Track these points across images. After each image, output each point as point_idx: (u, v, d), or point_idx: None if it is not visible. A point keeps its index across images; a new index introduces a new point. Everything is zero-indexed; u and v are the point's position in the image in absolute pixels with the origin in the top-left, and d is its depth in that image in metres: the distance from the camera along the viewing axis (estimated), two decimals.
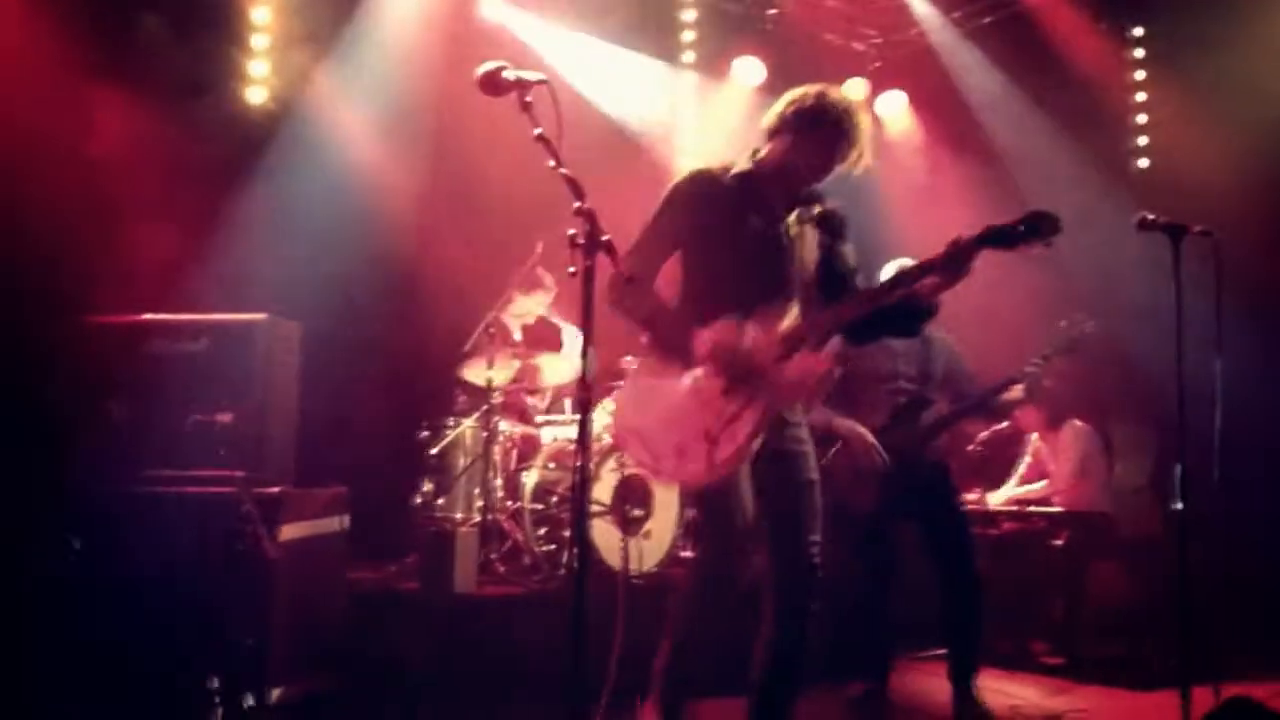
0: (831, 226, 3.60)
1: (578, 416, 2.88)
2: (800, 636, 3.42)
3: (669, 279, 3.55)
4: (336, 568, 4.78)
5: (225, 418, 4.17)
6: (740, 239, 3.47)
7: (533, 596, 5.26)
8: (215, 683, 3.87)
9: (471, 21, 6.84)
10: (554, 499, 5.66)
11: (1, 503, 4.01)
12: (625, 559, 5.10)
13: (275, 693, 4.06)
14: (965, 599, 4.77)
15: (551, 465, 5.77)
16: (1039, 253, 3.22)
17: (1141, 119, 7.67)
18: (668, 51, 7.71)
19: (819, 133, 3.46)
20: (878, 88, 8.19)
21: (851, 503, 4.80)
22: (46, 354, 4.50)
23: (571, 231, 2.83)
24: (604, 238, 2.84)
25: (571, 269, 2.84)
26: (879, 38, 8.13)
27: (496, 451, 5.82)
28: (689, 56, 7.74)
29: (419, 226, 6.70)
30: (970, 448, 6.43)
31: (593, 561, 5.19)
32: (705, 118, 7.83)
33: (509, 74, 2.92)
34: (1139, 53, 7.68)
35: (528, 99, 2.91)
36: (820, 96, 3.49)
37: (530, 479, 5.74)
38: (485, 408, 5.80)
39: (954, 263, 3.25)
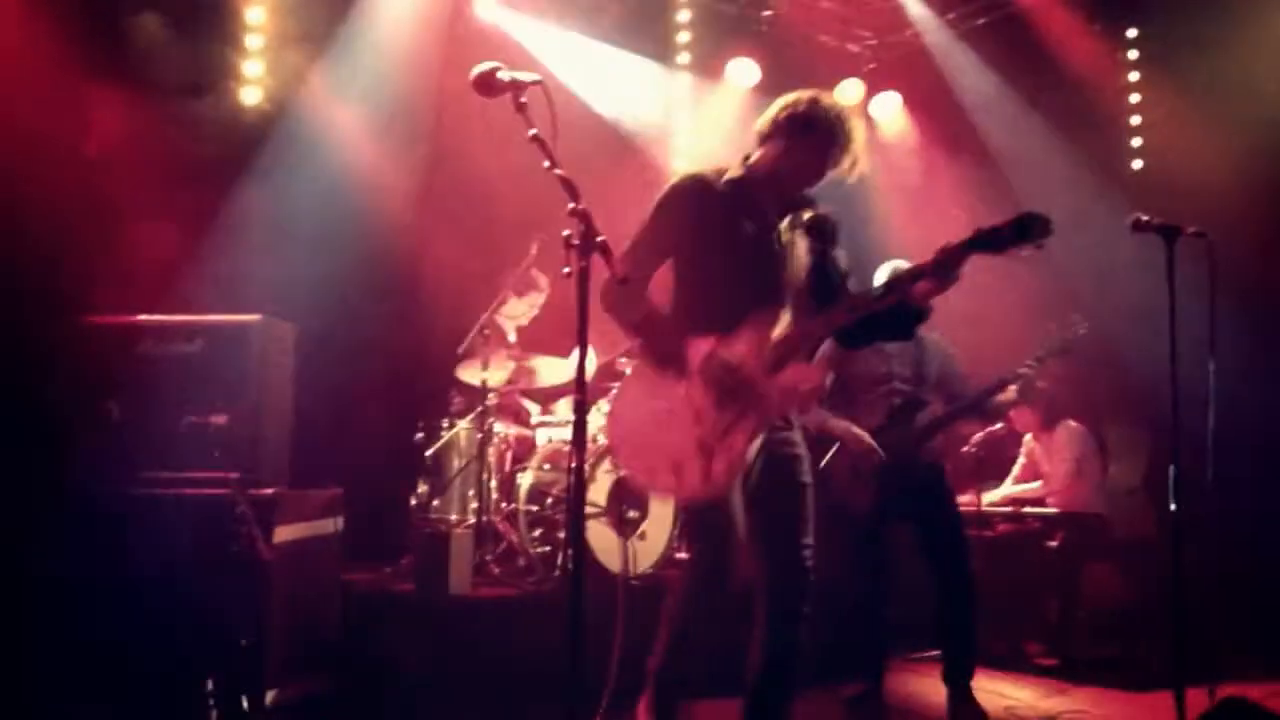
0: (823, 232, 3.60)
1: (573, 418, 2.87)
2: (793, 639, 3.42)
3: (662, 285, 3.56)
4: (332, 569, 4.78)
5: (220, 419, 4.16)
6: (733, 244, 3.47)
7: (528, 598, 5.26)
8: (211, 684, 3.87)
9: (466, 22, 6.84)
10: (549, 500, 5.66)
11: None
12: (625, 560, 5.10)
13: (271, 694, 4.06)
14: (960, 600, 4.77)
15: (547, 467, 5.76)
16: (1029, 255, 3.21)
17: (1136, 120, 7.68)
18: (662, 52, 7.70)
19: (812, 138, 3.46)
20: (872, 89, 8.20)
21: (849, 503, 4.81)
22: (42, 354, 4.49)
23: (566, 232, 2.82)
24: (599, 239, 2.84)
25: (567, 270, 2.84)
26: (873, 39, 8.13)
27: (492, 453, 5.81)
28: (684, 57, 7.73)
29: (414, 227, 6.69)
30: (965, 449, 6.43)
31: (588, 563, 5.19)
32: (700, 119, 7.83)
33: (504, 75, 2.92)
34: (1133, 54, 7.69)
35: (522, 100, 2.91)
36: (814, 102, 3.50)
37: (525, 480, 5.74)
38: (480, 409, 5.79)
39: (944, 268, 3.26)
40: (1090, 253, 6.74)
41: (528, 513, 5.64)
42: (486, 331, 5.87)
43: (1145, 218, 4.12)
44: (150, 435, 4.21)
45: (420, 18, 6.62)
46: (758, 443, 3.35)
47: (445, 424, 5.97)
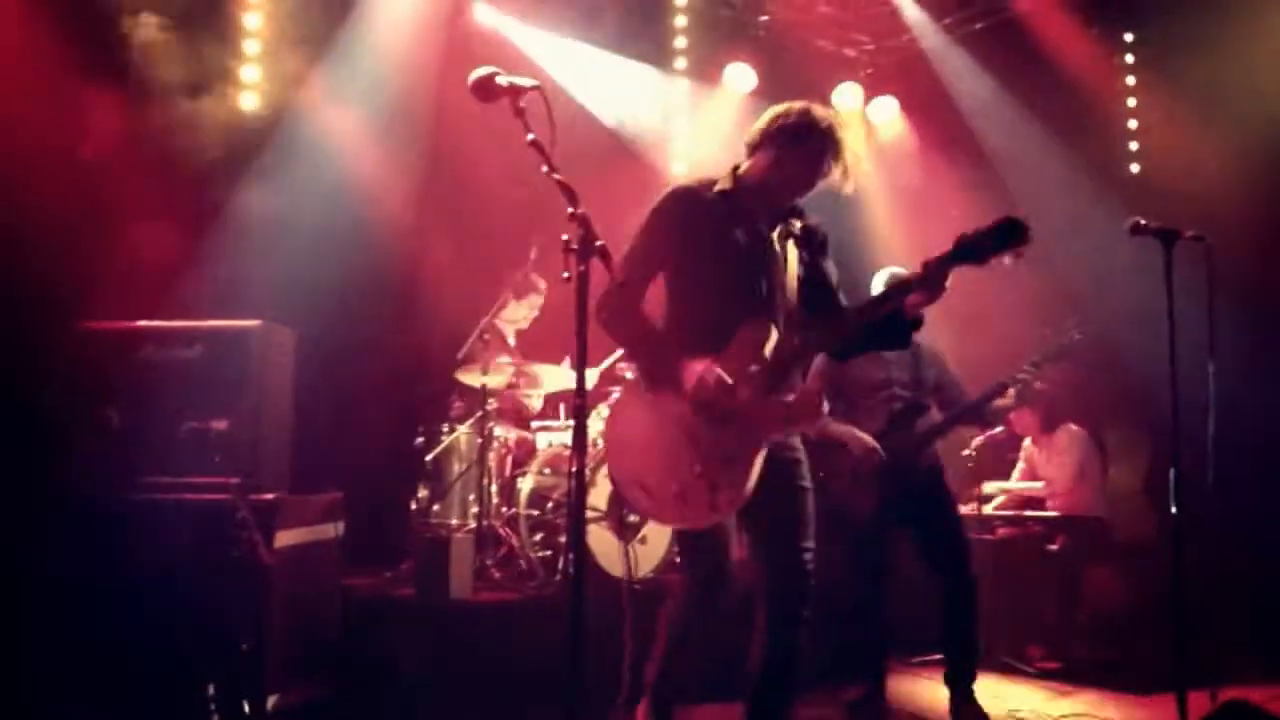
0: (813, 242, 3.61)
1: (573, 422, 2.88)
2: (794, 644, 3.41)
3: (656, 304, 3.56)
4: (332, 574, 4.77)
5: (220, 424, 4.15)
6: (723, 255, 3.47)
7: (528, 603, 5.26)
8: (211, 689, 3.87)
9: (465, 27, 6.85)
10: (550, 505, 5.66)
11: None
12: (628, 565, 5.09)
13: (271, 698, 4.05)
14: (962, 603, 4.77)
15: (547, 471, 5.77)
16: (1011, 264, 3.24)
17: (1133, 124, 7.69)
18: (660, 57, 7.72)
19: (802, 149, 3.46)
20: (869, 94, 8.21)
21: (851, 507, 4.82)
22: (41, 360, 4.49)
23: (565, 237, 2.83)
24: (598, 243, 2.84)
25: (566, 274, 2.84)
26: (870, 44, 8.14)
27: (492, 457, 5.81)
28: (681, 62, 7.74)
29: (413, 232, 6.70)
30: (965, 452, 6.44)
31: (589, 567, 5.18)
32: (697, 123, 7.84)
33: (502, 80, 2.92)
34: (1130, 58, 7.70)
35: (521, 105, 2.92)
36: (804, 113, 3.50)
37: (526, 485, 5.74)
38: (480, 413, 5.79)
39: (930, 280, 3.29)
40: (1089, 256, 6.76)
41: (528, 517, 5.64)
42: (486, 336, 5.87)
43: (1143, 222, 4.13)
44: (151, 440, 4.20)
45: (419, 22, 6.63)
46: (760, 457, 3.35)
47: (445, 428, 5.98)
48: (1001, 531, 6.31)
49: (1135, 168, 7.65)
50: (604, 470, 5.41)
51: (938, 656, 5.01)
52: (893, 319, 3.42)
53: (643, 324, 3.46)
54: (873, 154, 8.30)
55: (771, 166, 3.50)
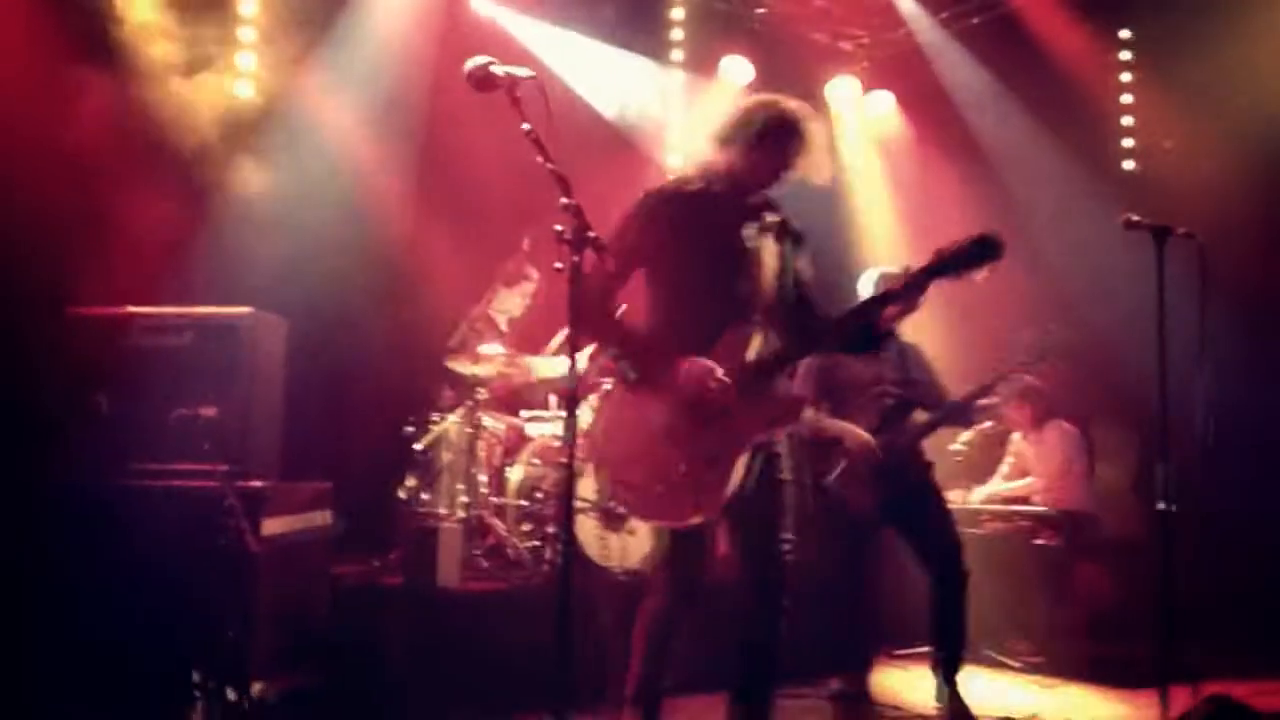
0: (788, 237, 3.63)
1: (563, 413, 2.88)
2: (776, 633, 3.45)
3: (636, 307, 3.57)
4: (321, 562, 4.77)
5: (209, 412, 4.14)
6: (701, 255, 3.48)
7: (516, 592, 5.26)
8: (198, 676, 3.86)
9: (461, 16, 6.82)
10: (539, 495, 5.66)
11: None
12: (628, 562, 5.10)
13: (258, 687, 4.05)
14: (952, 598, 4.79)
15: (536, 461, 5.77)
16: (984, 278, 3.34)
17: (1128, 121, 7.69)
18: (656, 49, 7.70)
19: (767, 142, 3.48)
20: (865, 87, 8.21)
21: (851, 503, 4.83)
22: (30, 347, 4.47)
23: (559, 227, 2.83)
24: (591, 234, 2.84)
25: (558, 264, 2.85)
26: (866, 38, 8.13)
27: (481, 447, 5.81)
28: (677, 55, 7.73)
29: (406, 220, 6.68)
30: (953, 447, 6.46)
31: (576, 558, 5.19)
32: (694, 116, 7.83)
33: (498, 69, 2.92)
34: (1126, 55, 7.70)
35: (516, 95, 2.92)
36: (768, 106, 3.53)
37: (515, 475, 5.74)
38: (470, 403, 5.79)
39: (908, 293, 3.41)
40: (1082, 252, 6.77)
41: (517, 507, 5.64)
42: (478, 325, 5.86)
43: (1136, 218, 4.15)
44: (140, 427, 4.19)
45: (415, 11, 6.61)
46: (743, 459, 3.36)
47: (435, 417, 5.97)
48: (990, 526, 6.33)
49: (1129, 164, 7.65)
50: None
51: (924, 649, 5.03)
52: (866, 327, 3.51)
53: (623, 323, 3.47)
54: (867, 148, 8.32)
55: (739, 160, 3.51)
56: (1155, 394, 4.05)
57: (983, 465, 6.70)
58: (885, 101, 8.25)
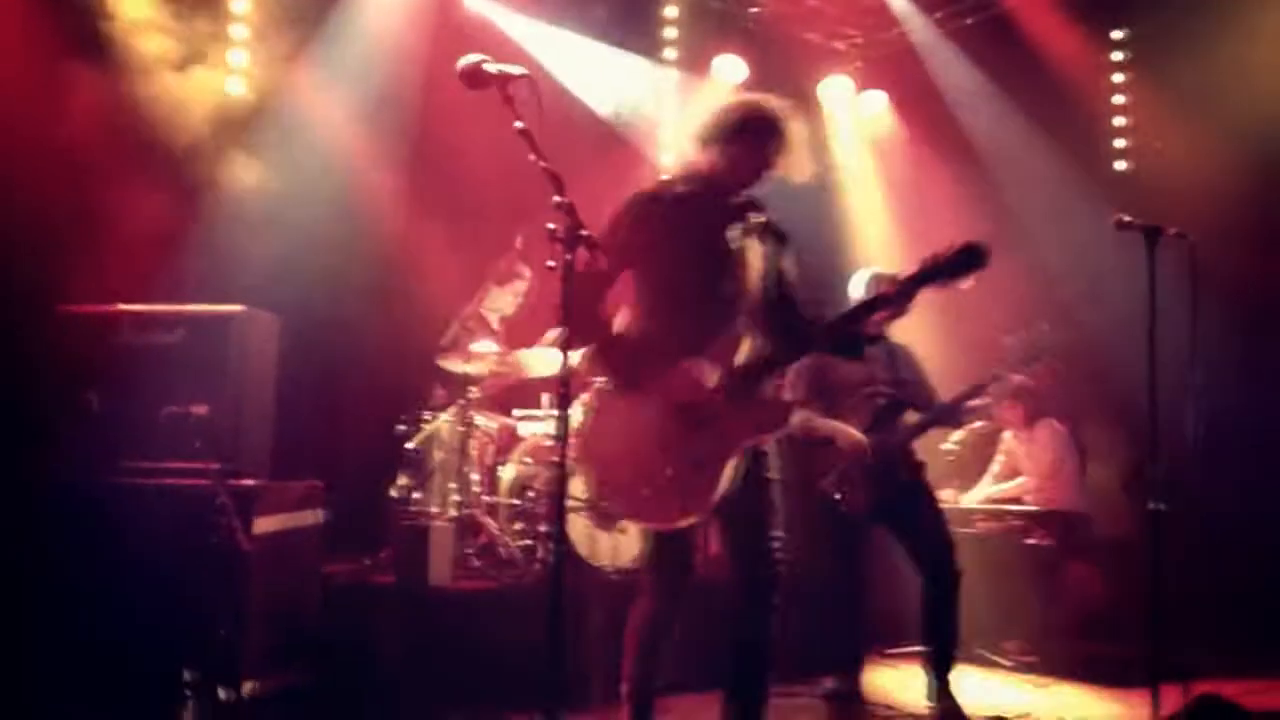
0: (772, 238, 3.63)
1: (556, 411, 2.87)
2: (768, 632, 3.45)
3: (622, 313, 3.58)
4: (312, 561, 4.76)
5: (200, 410, 4.13)
6: (684, 254, 3.48)
7: (508, 591, 5.25)
8: (189, 675, 3.85)
9: (453, 13, 6.81)
10: (531, 494, 5.65)
11: None
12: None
13: (250, 685, 4.04)
14: (944, 598, 4.80)
15: (529, 460, 5.76)
16: (969, 286, 3.38)
17: (1121, 121, 7.70)
18: (650, 48, 7.70)
19: (745, 140, 3.49)
20: (859, 87, 8.21)
21: (844, 503, 4.83)
22: (21, 344, 4.45)
23: (551, 225, 2.82)
24: (583, 232, 2.84)
25: (551, 263, 2.84)
26: (860, 37, 8.14)
27: (474, 446, 5.80)
28: (671, 53, 7.73)
29: (399, 219, 6.67)
30: (945, 446, 6.46)
31: (568, 557, 5.18)
32: (687, 114, 7.82)
33: (490, 67, 2.91)
34: (1119, 55, 7.71)
35: (509, 92, 2.91)
36: (745, 105, 3.55)
37: (507, 474, 5.73)
38: (462, 402, 5.78)
39: (898, 300, 3.44)
40: (1074, 252, 6.78)
41: (509, 506, 5.63)
42: (470, 324, 5.85)
43: (1128, 218, 4.16)
44: (131, 425, 4.18)
45: (407, 8, 6.59)
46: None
47: (427, 416, 5.96)
48: (982, 525, 6.33)
49: (1121, 165, 7.66)
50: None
51: (916, 648, 5.03)
52: (854, 332, 3.54)
53: (611, 326, 3.47)
54: (860, 148, 8.32)
55: (720, 161, 3.52)
56: (1146, 393, 4.05)
57: (975, 465, 6.70)
58: (878, 101, 8.25)
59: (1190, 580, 4.77)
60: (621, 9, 7.46)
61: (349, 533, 5.48)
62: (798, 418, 4.82)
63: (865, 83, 8.23)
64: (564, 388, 2.88)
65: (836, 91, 8.18)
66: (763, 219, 3.61)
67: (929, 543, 4.87)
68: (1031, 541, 6.09)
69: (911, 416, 5.02)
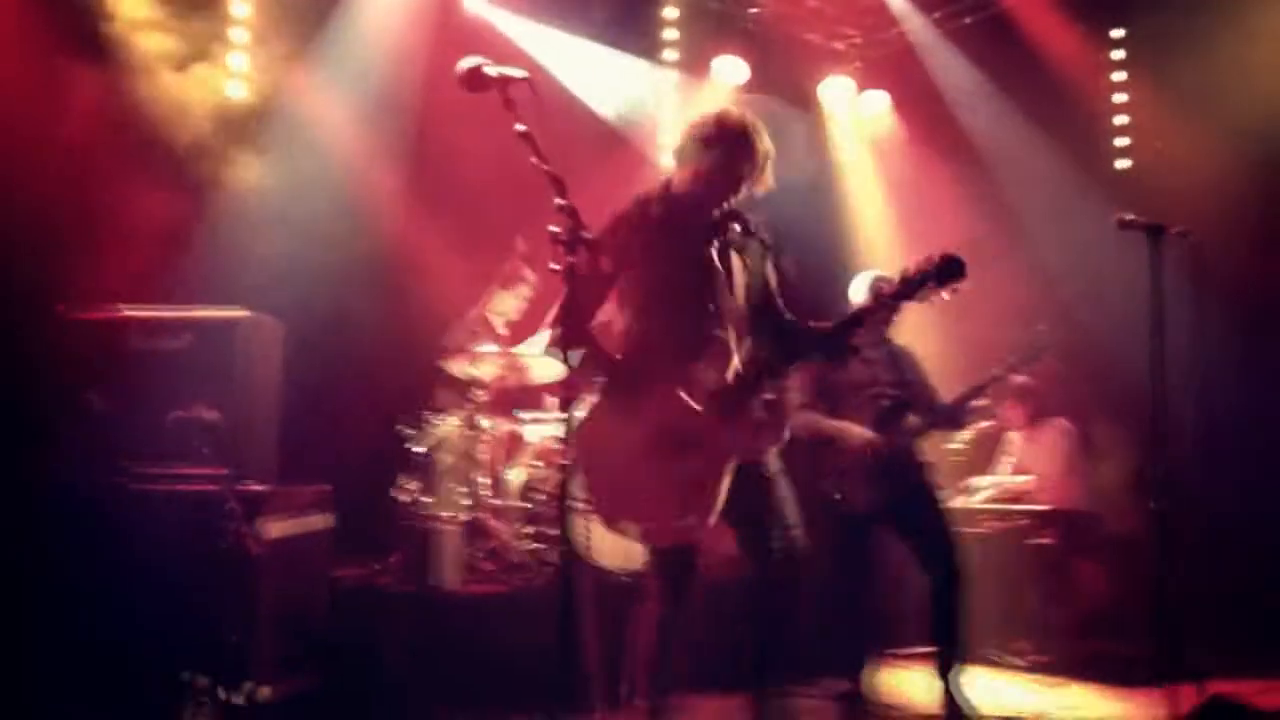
0: (755, 247, 3.64)
1: (561, 414, 2.88)
2: (793, 626, 3.48)
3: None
4: (321, 565, 4.76)
5: (207, 414, 4.15)
6: (671, 274, 3.50)
7: (518, 594, 5.25)
8: (199, 680, 3.85)
9: (454, 15, 6.82)
10: (539, 497, 5.65)
11: None
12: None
13: (260, 690, 4.04)
14: (950, 599, 4.79)
15: (537, 463, 5.76)
16: (950, 296, 3.43)
17: (1121, 120, 7.69)
18: (649, 49, 7.69)
19: (718, 153, 3.51)
20: (859, 87, 8.21)
21: (850, 503, 4.83)
22: (27, 349, 4.46)
23: (554, 228, 2.83)
24: (585, 234, 2.85)
25: (554, 265, 2.85)
26: (859, 37, 8.14)
27: (481, 449, 5.80)
28: (670, 54, 7.73)
29: (401, 220, 6.67)
30: (951, 446, 6.45)
31: (577, 559, 5.17)
32: (687, 116, 7.80)
33: (491, 70, 2.92)
34: (1119, 54, 7.71)
35: (509, 95, 2.91)
36: (718, 119, 3.56)
37: (515, 477, 5.73)
38: (470, 405, 5.78)
39: (883, 312, 3.61)
40: (1076, 251, 6.77)
41: (518, 509, 5.63)
42: (474, 327, 5.86)
43: (1130, 217, 4.15)
44: (138, 430, 4.19)
45: (408, 10, 6.60)
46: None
47: (434, 419, 5.95)
48: (989, 525, 6.32)
49: (1123, 163, 7.65)
50: None
51: (921, 649, 5.02)
52: (841, 342, 3.57)
53: (600, 347, 3.47)
54: (861, 148, 8.32)
55: (695, 178, 3.55)
56: (1151, 393, 4.05)
57: (980, 465, 6.69)
58: (879, 101, 8.25)
59: (1200, 578, 4.76)
60: (621, 10, 7.45)
61: (355, 536, 5.48)
62: (802, 418, 4.83)
63: (865, 83, 8.23)
64: (568, 392, 2.88)
65: (836, 92, 8.17)
66: (745, 228, 3.62)
67: (934, 544, 4.86)
68: (1039, 541, 6.08)
69: (914, 418, 5.02)
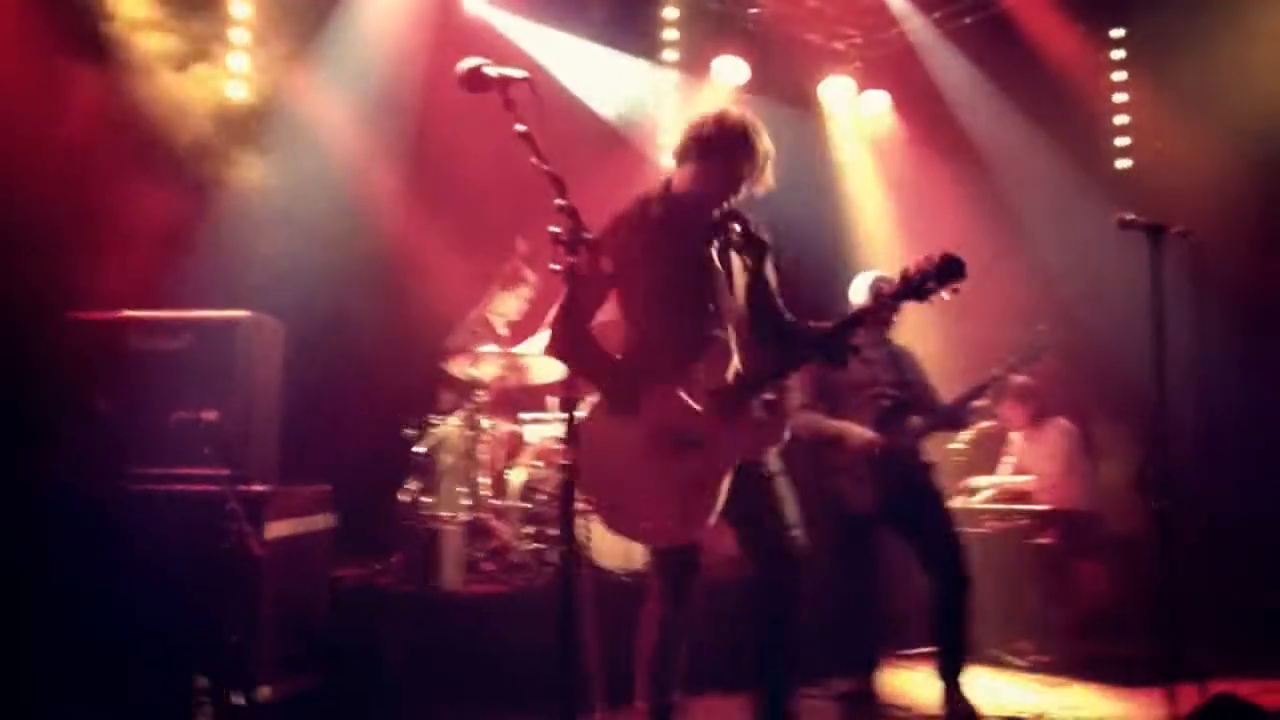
0: (754, 248, 3.63)
1: (563, 414, 2.88)
2: (793, 628, 3.45)
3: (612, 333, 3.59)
4: (323, 566, 4.77)
5: (209, 415, 4.14)
6: (669, 269, 3.49)
7: (520, 595, 5.25)
8: (201, 680, 3.86)
9: (454, 16, 6.82)
10: (540, 497, 5.65)
11: None
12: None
13: (262, 690, 4.05)
14: (953, 600, 4.78)
15: (538, 463, 5.76)
16: (950, 296, 3.41)
17: (1122, 119, 7.70)
18: (650, 49, 7.70)
19: (717, 155, 3.50)
20: (859, 87, 8.21)
21: (852, 503, 4.83)
22: (29, 351, 4.46)
23: (554, 228, 2.83)
24: (586, 234, 2.85)
25: (555, 265, 2.85)
26: (859, 37, 8.14)
27: (483, 450, 5.80)
28: (671, 54, 7.73)
29: (402, 221, 6.68)
30: (953, 446, 6.45)
31: (579, 559, 5.18)
32: (687, 116, 7.80)
33: (491, 70, 2.91)
34: (1119, 54, 7.71)
35: (509, 95, 2.91)
36: (716, 120, 3.54)
37: (516, 477, 5.73)
38: (471, 406, 5.78)
39: (881, 313, 3.59)
40: (1076, 250, 6.78)
41: (520, 509, 5.63)
42: (475, 328, 5.86)
43: (1131, 216, 4.15)
44: (139, 431, 4.19)
45: (408, 11, 6.61)
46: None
47: (436, 420, 5.96)
48: (991, 525, 6.32)
49: (1123, 163, 7.66)
50: None
51: (926, 650, 5.02)
52: (840, 343, 3.55)
53: (598, 349, 3.47)
54: (861, 148, 8.32)
55: (694, 178, 3.54)
56: (1153, 393, 4.05)
57: (981, 465, 6.70)
58: (879, 101, 8.25)
59: (1205, 578, 4.76)
60: (620, 10, 7.45)
61: (356, 536, 5.49)
62: (803, 418, 4.83)
63: (865, 83, 8.23)
64: (569, 392, 2.88)
65: (837, 92, 8.18)
66: (743, 230, 3.61)
67: (937, 545, 4.86)
68: (1041, 541, 6.08)
69: (916, 419, 5.02)
